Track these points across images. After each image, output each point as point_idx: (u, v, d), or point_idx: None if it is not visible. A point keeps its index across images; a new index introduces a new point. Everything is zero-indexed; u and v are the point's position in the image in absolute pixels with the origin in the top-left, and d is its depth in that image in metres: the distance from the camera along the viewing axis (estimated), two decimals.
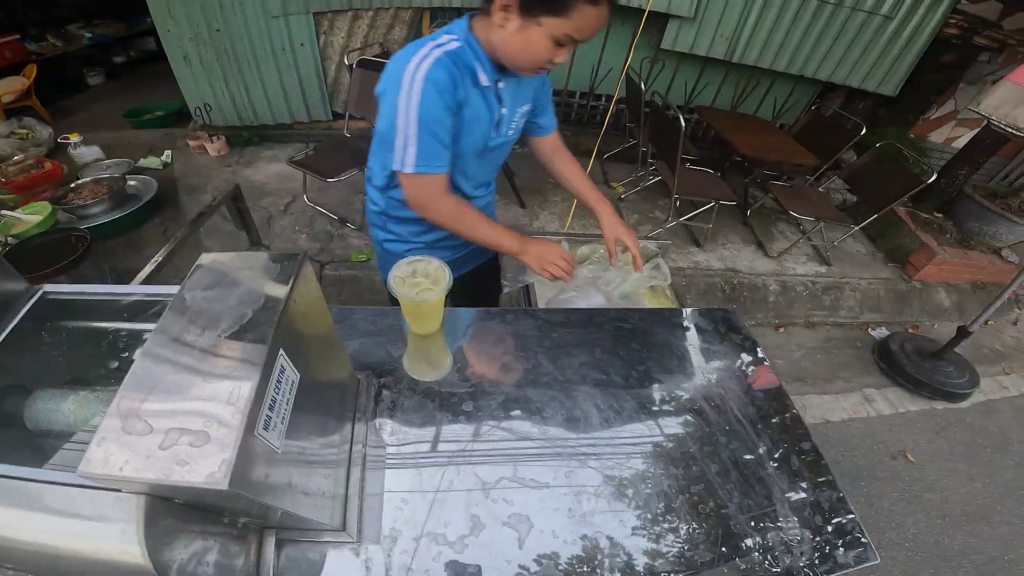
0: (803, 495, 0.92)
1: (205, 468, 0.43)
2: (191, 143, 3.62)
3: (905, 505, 2.21)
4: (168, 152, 3.54)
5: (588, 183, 1.34)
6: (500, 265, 1.70)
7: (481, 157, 1.18)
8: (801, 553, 0.84)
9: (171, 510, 0.51)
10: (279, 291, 0.59)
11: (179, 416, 0.46)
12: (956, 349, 2.79)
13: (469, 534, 0.80)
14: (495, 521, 0.82)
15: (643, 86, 3.21)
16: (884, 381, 2.86)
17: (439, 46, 0.98)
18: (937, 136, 4.30)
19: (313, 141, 3.85)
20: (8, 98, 3.98)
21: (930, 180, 2.79)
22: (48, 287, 0.77)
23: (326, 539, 0.76)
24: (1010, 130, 2.12)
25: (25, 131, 3.50)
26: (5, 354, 0.68)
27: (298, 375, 0.59)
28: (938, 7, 3.48)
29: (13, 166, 2.85)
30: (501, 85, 1.07)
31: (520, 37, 0.93)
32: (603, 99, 4.25)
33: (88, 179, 2.72)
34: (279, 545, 0.72)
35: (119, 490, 0.48)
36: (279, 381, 0.54)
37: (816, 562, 0.83)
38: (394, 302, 1.44)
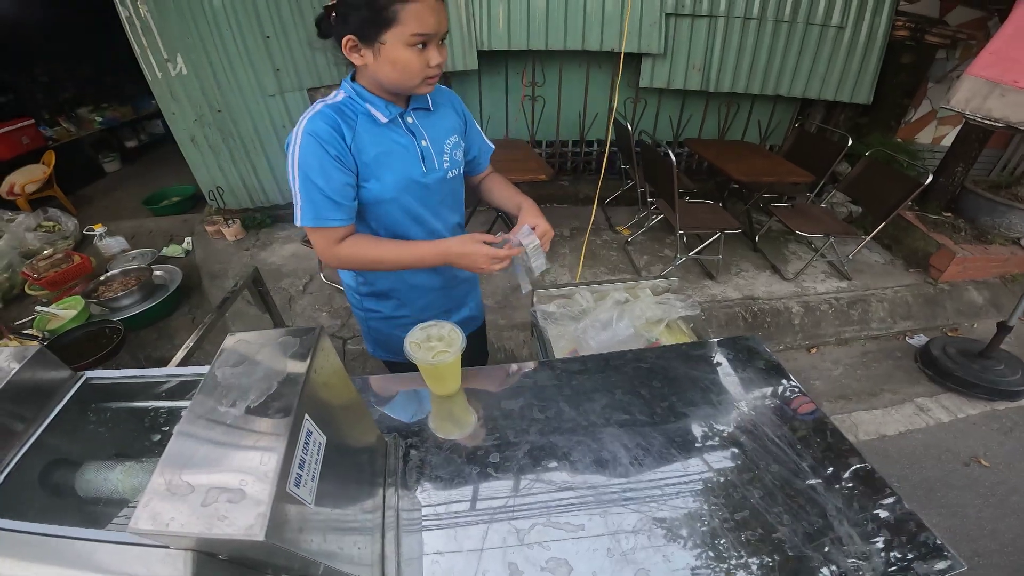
0: (863, 511, 0.88)
1: (243, 521, 0.46)
2: (208, 229, 3.74)
3: (993, 511, 2.08)
4: (188, 239, 3.66)
5: (513, 190, 1.30)
6: (486, 336, 1.69)
7: (420, 197, 1.15)
8: (874, 569, 0.80)
9: (216, 567, 0.53)
10: (300, 363, 0.64)
11: (217, 477, 0.50)
12: (1003, 346, 2.69)
13: None
14: (533, 567, 0.80)
15: (630, 127, 3.31)
16: (934, 388, 2.74)
17: (323, 101, 1.03)
18: (924, 137, 4.34)
19: None
20: (31, 187, 4.00)
21: (927, 181, 2.79)
22: (90, 373, 0.83)
23: None
24: (987, 122, 2.11)
25: (51, 223, 3.60)
26: (54, 433, 0.74)
27: (325, 438, 0.62)
28: (882, 11, 3.63)
29: (43, 260, 2.92)
30: (410, 120, 1.09)
31: (384, 63, 0.95)
32: (595, 144, 4.39)
33: (116, 271, 2.79)
34: None
35: (167, 547, 0.51)
36: (306, 443, 0.57)
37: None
38: (395, 368, 1.47)
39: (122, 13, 3.02)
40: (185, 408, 0.58)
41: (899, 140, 4.24)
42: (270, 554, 0.52)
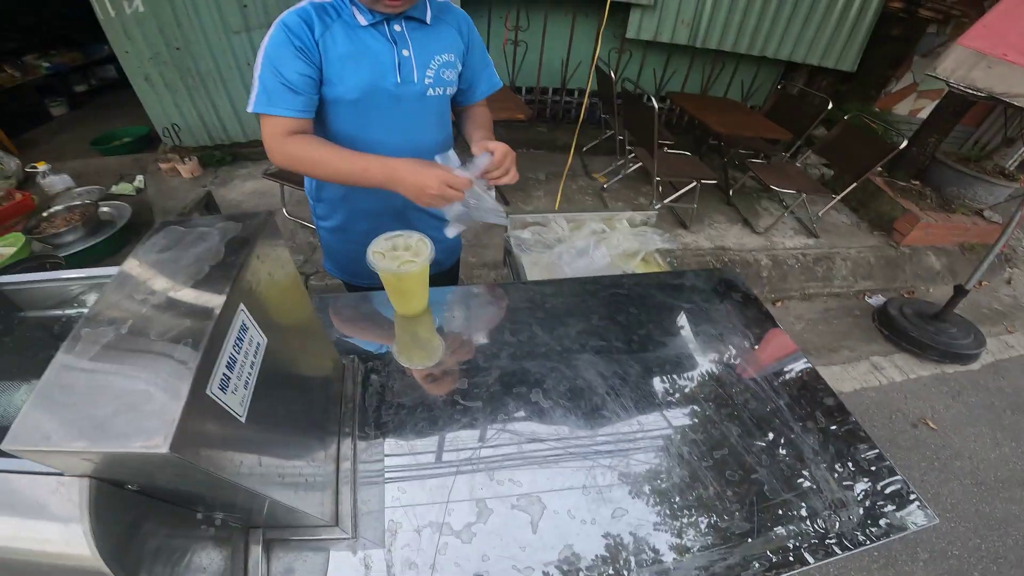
0: (837, 453, 0.86)
1: (143, 430, 0.35)
2: (163, 166, 3.52)
3: (937, 474, 2.15)
4: (140, 177, 3.46)
5: (479, 121, 1.22)
6: (457, 277, 1.59)
7: (389, 109, 1.08)
8: (850, 516, 0.77)
9: (127, 502, 0.44)
10: (241, 246, 0.53)
11: (122, 377, 0.39)
12: (956, 311, 2.78)
13: (476, 521, 0.72)
14: (503, 505, 0.74)
15: (613, 76, 3.21)
16: (889, 348, 2.82)
17: None
18: (902, 108, 4.38)
19: None
20: None
21: (902, 146, 2.80)
22: (2, 278, 0.71)
23: (320, 536, 0.68)
24: (969, 91, 2.14)
25: None
26: None
27: (265, 339, 0.52)
28: None
29: None
30: (397, 28, 1.03)
31: None
32: (576, 94, 4.25)
33: (60, 207, 2.65)
34: (267, 547, 0.64)
35: (60, 473, 0.41)
36: (239, 339, 0.46)
37: (869, 524, 0.77)
38: (352, 291, 1.38)
39: None
40: None
41: (877, 109, 4.25)
42: (185, 477, 0.42)
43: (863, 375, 2.61)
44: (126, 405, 0.37)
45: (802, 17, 3.75)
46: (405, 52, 1.04)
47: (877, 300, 3.15)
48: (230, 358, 0.44)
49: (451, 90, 1.15)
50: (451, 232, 1.03)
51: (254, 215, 0.58)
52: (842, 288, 3.22)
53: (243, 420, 0.45)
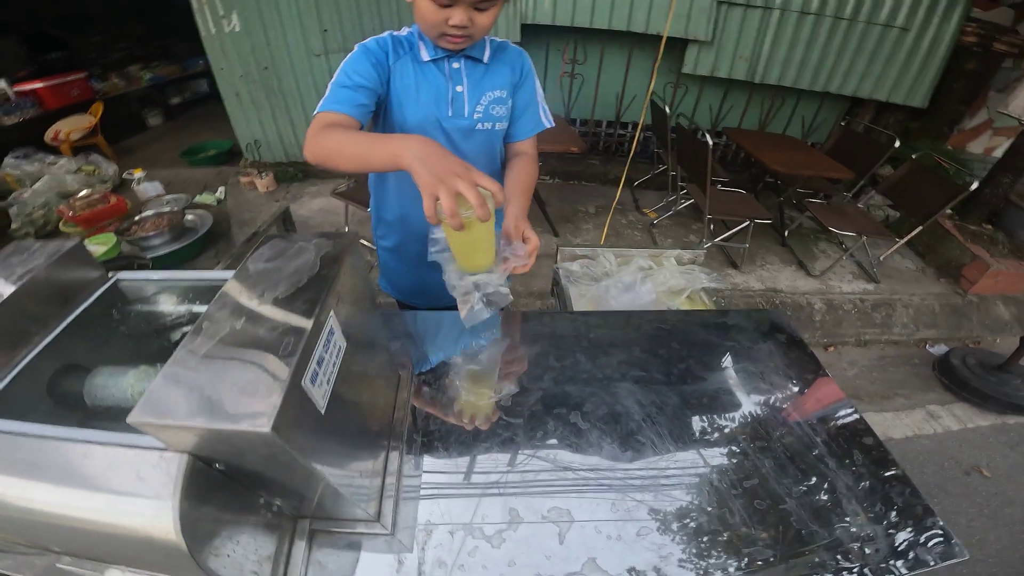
0: (870, 489, 0.87)
1: (251, 411, 0.44)
2: (242, 180, 3.86)
3: (985, 521, 2.08)
4: (221, 188, 3.79)
5: (520, 186, 1.15)
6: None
7: (439, 139, 1.12)
8: (877, 549, 0.78)
9: (209, 480, 0.51)
10: (332, 262, 0.64)
11: (235, 366, 0.48)
12: (1022, 362, 2.63)
13: (507, 528, 0.78)
14: (534, 515, 0.79)
15: (667, 110, 3.25)
16: (948, 397, 2.70)
17: (391, 32, 1.11)
18: (976, 147, 4.18)
19: (354, 176, 4.04)
20: (76, 135, 4.23)
21: (973, 187, 2.70)
22: (121, 274, 0.82)
23: (359, 530, 0.74)
24: None
25: (92, 168, 3.77)
26: (72, 335, 0.72)
27: (345, 343, 0.61)
28: (952, 16, 3.48)
29: (80, 200, 3.04)
30: (455, 66, 1.11)
31: (415, 7, 0.98)
32: (629, 127, 4.31)
33: (150, 212, 2.89)
34: (311, 536, 0.71)
35: (164, 449, 0.48)
36: (327, 341, 0.56)
37: (896, 558, 0.77)
38: (403, 308, 1.43)
39: None
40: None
41: (949, 147, 4.09)
42: (271, 459, 0.50)
43: (917, 423, 2.51)
44: (237, 390, 0.46)
45: (869, 52, 3.66)
46: (459, 88, 1.12)
47: (939, 349, 3.00)
48: (320, 357, 0.53)
49: (501, 125, 1.20)
50: (469, 322, 0.95)
51: (342, 235, 0.69)
52: (902, 336, 3.08)
53: (322, 412, 0.54)
